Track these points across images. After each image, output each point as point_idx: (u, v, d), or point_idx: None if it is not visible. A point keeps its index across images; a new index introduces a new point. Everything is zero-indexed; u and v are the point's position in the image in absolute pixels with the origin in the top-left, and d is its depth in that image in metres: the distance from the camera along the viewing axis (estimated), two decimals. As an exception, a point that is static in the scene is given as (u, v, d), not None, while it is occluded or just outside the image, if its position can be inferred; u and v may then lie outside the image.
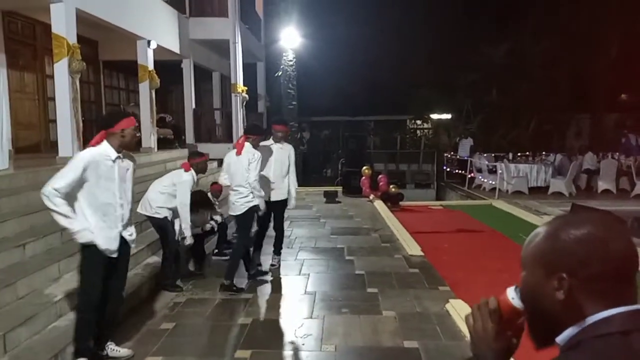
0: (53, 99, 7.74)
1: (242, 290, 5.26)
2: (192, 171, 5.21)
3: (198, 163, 5.29)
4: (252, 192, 5.19)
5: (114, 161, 3.50)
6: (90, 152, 3.46)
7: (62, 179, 3.31)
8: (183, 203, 5.06)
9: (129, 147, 3.66)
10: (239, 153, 5.22)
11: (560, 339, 0.91)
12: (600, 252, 0.88)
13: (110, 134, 3.48)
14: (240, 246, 5.44)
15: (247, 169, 5.14)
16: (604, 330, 0.85)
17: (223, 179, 5.59)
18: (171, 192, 5.08)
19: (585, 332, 0.87)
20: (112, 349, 3.74)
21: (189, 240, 5.22)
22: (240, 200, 5.23)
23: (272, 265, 6.04)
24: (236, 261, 5.34)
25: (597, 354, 0.84)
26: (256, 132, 5.42)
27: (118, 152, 3.52)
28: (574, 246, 0.89)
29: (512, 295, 0.98)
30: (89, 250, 3.46)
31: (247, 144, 5.24)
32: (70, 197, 3.37)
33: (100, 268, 3.50)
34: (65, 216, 3.34)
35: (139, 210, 5.01)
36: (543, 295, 0.92)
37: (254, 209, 5.29)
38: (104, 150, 3.47)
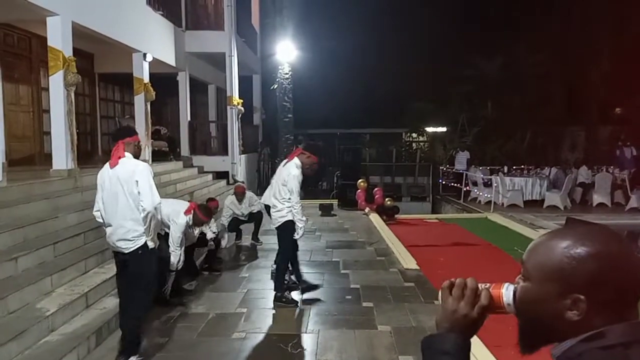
0: (48, 111, 7.72)
1: (294, 302, 5.22)
2: (190, 217, 5.20)
3: (196, 215, 5.26)
4: (288, 208, 5.04)
5: None
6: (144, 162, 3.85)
7: (156, 191, 3.73)
8: (173, 242, 5.03)
9: (137, 157, 3.95)
10: (285, 164, 5.12)
11: (558, 350, 0.90)
12: (618, 273, 0.85)
13: (127, 143, 3.80)
14: (281, 259, 5.36)
15: (284, 183, 5.00)
16: (605, 342, 0.84)
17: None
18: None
19: (587, 344, 0.85)
20: None
21: (175, 266, 5.14)
22: (275, 215, 5.15)
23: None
24: (281, 273, 5.31)
25: None
26: (313, 152, 5.16)
27: None
28: (593, 266, 0.85)
29: (508, 300, 0.96)
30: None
31: (296, 159, 5.07)
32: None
33: None
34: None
35: None
36: (550, 311, 0.89)
37: (288, 223, 5.10)
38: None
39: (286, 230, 5.15)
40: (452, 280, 1.02)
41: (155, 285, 4.06)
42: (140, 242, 3.70)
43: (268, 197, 5.52)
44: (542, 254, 0.92)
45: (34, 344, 3.77)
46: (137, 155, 3.89)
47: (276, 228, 5.24)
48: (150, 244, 3.76)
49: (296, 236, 5.22)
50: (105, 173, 3.85)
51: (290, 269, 5.79)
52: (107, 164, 3.87)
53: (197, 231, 5.81)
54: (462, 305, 0.98)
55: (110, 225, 3.79)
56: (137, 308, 3.81)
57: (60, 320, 4.17)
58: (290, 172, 4.99)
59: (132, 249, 3.69)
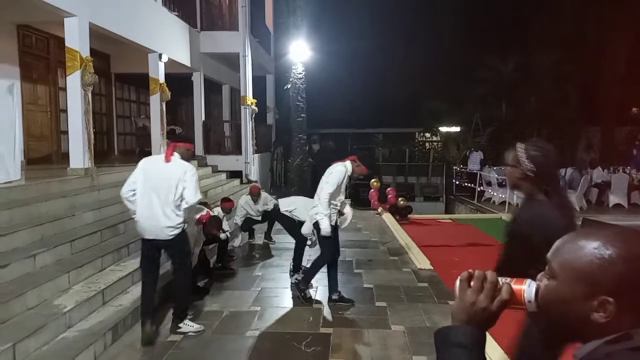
0: (65, 111, 7.83)
1: (310, 300, 5.28)
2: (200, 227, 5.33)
3: (206, 227, 5.41)
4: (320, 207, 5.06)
5: None
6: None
7: (199, 190, 4.32)
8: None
9: (187, 161, 4.44)
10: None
11: (582, 352, 0.88)
12: None
13: (178, 147, 4.37)
14: (319, 258, 5.34)
15: (326, 179, 5.08)
16: (633, 343, 0.82)
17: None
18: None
19: (613, 346, 0.84)
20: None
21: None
22: (312, 212, 5.26)
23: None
24: (314, 269, 5.32)
25: None
26: (365, 164, 5.21)
27: None
28: (623, 268, 0.84)
29: (530, 297, 0.94)
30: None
31: (348, 162, 5.14)
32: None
33: None
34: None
35: None
36: (576, 312, 0.87)
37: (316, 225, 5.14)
38: None
39: (319, 230, 5.14)
40: (470, 271, 1.00)
41: (189, 261, 4.65)
42: (182, 228, 4.26)
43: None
44: (571, 253, 0.90)
45: (51, 339, 3.84)
46: (186, 159, 4.40)
47: (314, 225, 5.22)
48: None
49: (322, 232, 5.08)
50: (155, 164, 4.33)
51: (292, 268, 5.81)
52: (160, 156, 4.42)
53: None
54: (481, 298, 0.96)
55: (145, 212, 4.18)
56: (183, 280, 4.47)
57: (77, 317, 4.23)
58: (336, 167, 5.08)
59: (175, 234, 4.20)
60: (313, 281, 5.53)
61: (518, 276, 0.97)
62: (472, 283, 0.99)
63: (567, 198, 2.58)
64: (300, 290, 5.34)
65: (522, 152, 2.34)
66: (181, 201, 4.19)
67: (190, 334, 4.41)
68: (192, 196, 4.19)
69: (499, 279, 0.98)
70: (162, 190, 4.15)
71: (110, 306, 4.67)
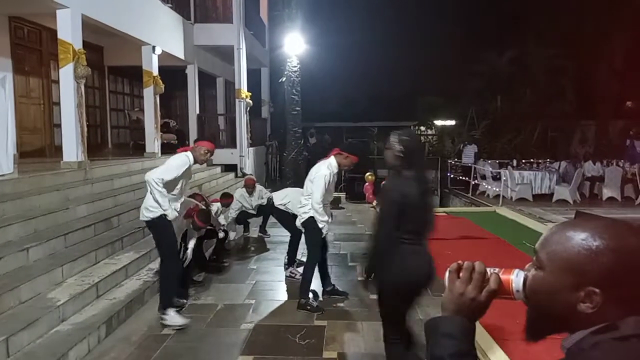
0: (58, 103, 7.78)
1: (319, 309, 4.90)
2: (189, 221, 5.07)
3: (194, 222, 5.13)
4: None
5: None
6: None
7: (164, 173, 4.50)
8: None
9: (197, 162, 4.62)
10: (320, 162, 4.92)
11: (569, 342, 0.89)
12: (636, 267, 0.84)
13: (197, 147, 4.56)
14: (308, 261, 5.08)
15: (311, 180, 4.84)
16: (619, 333, 0.83)
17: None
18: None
19: (599, 336, 0.85)
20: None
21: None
22: (299, 210, 5.02)
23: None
24: (307, 278, 5.02)
25: (617, 354, 0.82)
26: (352, 152, 4.88)
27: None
28: (610, 260, 0.84)
29: (517, 287, 0.95)
30: None
31: (332, 159, 4.84)
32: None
33: None
34: None
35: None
36: (563, 302, 0.88)
37: (311, 220, 4.87)
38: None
39: (310, 228, 4.93)
40: (459, 262, 1.01)
41: (170, 253, 4.62)
42: (154, 215, 4.40)
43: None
44: (559, 244, 0.90)
45: (45, 333, 3.83)
46: (196, 160, 4.53)
47: (301, 224, 4.99)
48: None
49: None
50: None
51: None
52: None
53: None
54: (469, 289, 0.97)
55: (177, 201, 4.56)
56: (163, 271, 4.59)
57: (71, 310, 4.22)
58: (319, 170, 4.83)
59: (147, 218, 4.44)
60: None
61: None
62: (460, 274, 0.99)
63: (425, 176, 3.30)
64: (303, 305, 4.95)
65: (396, 138, 3.01)
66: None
67: (174, 327, 4.35)
68: (151, 172, 4.42)
69: (488, 269, 0.99)
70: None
71: (104, 299, 4.67)
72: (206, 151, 4.55)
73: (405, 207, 2.93)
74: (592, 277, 0.85)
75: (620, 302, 0.84)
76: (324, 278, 5.37)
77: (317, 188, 4.75)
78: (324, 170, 4.79)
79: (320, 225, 4.87)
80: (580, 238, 0.87)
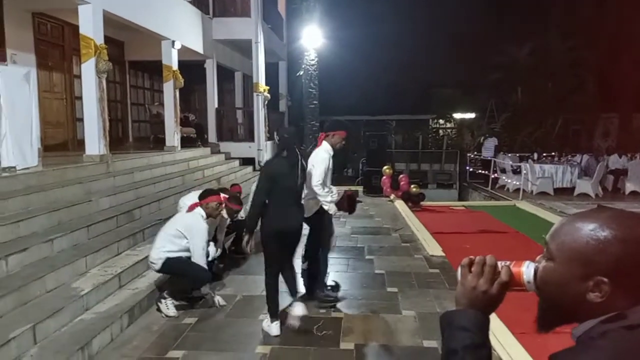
0: (80, 98, 7.92)
1: (336, 299, 4.90)
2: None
3: (228, 207, 5.10)
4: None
5: None
6: None
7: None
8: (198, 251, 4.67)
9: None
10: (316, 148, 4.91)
11: (579, 330, 0.91)
12: None
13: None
14: (324, 252, 5.01)
15: (312, 167, 4.73)
16: (628, 322, 0.84)
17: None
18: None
19: (608, 324, 0.86)
20: None
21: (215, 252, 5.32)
22: (310, 202, 4.83)
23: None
24: (323, 269, 5.00)
25: (626, 343, 0.83)
26: (336, 128, 4.87)
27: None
28: (618, 250, 0.85)
29: (528, 278, 0.96)
30: None
31: (324, 144, 4.83)
32: None
33: None
34: None
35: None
36: (573, 292, 0.89)
37: (321, 210, 4.77)
38: None
39: (316, 223, 4.86)
40: (471, 257, 1.03)
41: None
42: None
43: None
44: (568, 235, 0.91)
45: (69, 321, 3.94)
46: (210, 215, 4.80)
47: (308, 220, 4.83)
48: None
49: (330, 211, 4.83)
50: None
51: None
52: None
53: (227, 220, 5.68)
54: (481, 282, 0.99)
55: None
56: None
57: (94, 300, 4.33)
58: (318, 154, 4.81)
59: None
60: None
61: None
62: (472, 268, 1.01)
63: (298, 157, 4.25)
64: (322, 297, 4.88)
65: (277, 131, 4.65)
66: None
67: (162, 315, 4.50)
68: (193, 249, 4.63)
69: (499, 262, 1.01)
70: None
71: (127, 289, 4.77)
72: (217, 205, 4.79)
73: (276, 179, 4.10)
74: (600, 267, 0.86)
75: (629, 291, 0.86)
76: (321, 279, 5.06)
77: (317, 169, 4.65)
78: (323, 154, 4.78)
79: (326, 207, 4.76)
80: (589, 229, 0.89)
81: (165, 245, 4.62)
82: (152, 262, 4.68)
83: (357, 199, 5.90)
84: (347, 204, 5.24)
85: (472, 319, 0.98)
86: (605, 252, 0.86)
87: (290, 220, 4.23)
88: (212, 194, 4.94)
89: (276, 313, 4.22)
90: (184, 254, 4.64)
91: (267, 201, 4.12)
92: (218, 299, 4.79)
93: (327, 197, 4.75)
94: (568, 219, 0.95)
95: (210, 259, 5.04)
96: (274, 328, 4.16)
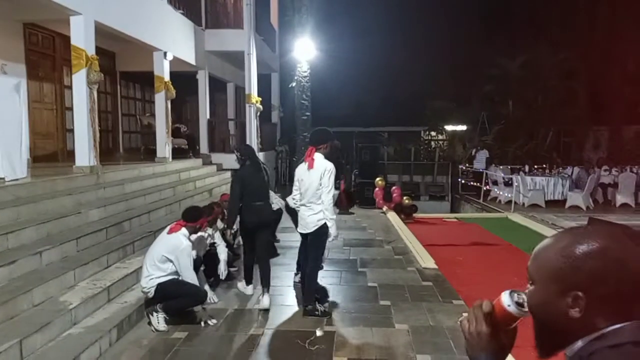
0: (71, 109, 7.86)
1: (327, 313, 4.87)
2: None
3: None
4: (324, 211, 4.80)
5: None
6: None
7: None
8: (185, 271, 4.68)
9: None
10: (310, 167, 4.84)
11: (570, 351, 0.92)
12: (617, 270, 0.87)
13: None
14: (313, 267, 5.04)
15: (319, 184, 4.78)
16: (616, 340, 0.86)
17: (292, 201, 5.32)
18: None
19: (597, 343, 0.87)
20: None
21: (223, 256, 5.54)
22: (313, 217, 4.87)
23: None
24: (313, 282, 5.02)
25: None
26: (323, 139, 4.94)
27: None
28: (590, 263, 0.88)
29: (507, 302, 0.98)
30: None
31: (318, 155, 4.85)
32: None
33: None
34: None
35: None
36: (556, 311, 0.92)
37: (325, 227, 4.85)
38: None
39: (321, 234, 4.88)
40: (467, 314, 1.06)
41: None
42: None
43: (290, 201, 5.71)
44: (542, 257, 0.96)
45: (57, 336, 3.86)
46: (197, 232, 5.00)
47: (311, 234, 4.91)
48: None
49: (330, 237, 4.93)
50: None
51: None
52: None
53: (207, 240, 5.56)
54: (473, 326, 1.01)
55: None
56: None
57: (83, 313, 4.25)
58: (326, 165, 4.78)
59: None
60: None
61: None
62: (468, 318, 1.04)
63: (258, 164, 5.46)
64: (310, 310, 4.88)
65: (238, 148, 5.79)
66: None
67: (152, 329, 4.46)
68: (182, 271, 4.67)
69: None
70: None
71: (116, 303, 4.69)
72: (210, 222, 5.37)
73: (245, 183, 5.20)
74: (574, 282, 0.89)
75: (607, 304, 0.87)
76: (309, 293, 5.05)
77: (331, 185, 4.80)
78: (330, 165, 4.83)
79: (330, 224, 4.85)
80: (559, 247, 0.93)
81: (153, 273, 4.59)
82: (144, 291, 4.66)
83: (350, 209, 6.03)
84: (345, 199, 5.52)
85: None
86: (577, 267, 0.89)
87: (258, 214, 5.24)
88: (203, 215, 5.05)
89: (250, 280, 5.51)
90: (174, 277, 4.64)
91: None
92: (210, 321, 4.67)
93: (334, 216, 4.93)
94: (543, 242, 0.99)
95: (224, 264, 5.45)
96: (248, 289, 5.48)
